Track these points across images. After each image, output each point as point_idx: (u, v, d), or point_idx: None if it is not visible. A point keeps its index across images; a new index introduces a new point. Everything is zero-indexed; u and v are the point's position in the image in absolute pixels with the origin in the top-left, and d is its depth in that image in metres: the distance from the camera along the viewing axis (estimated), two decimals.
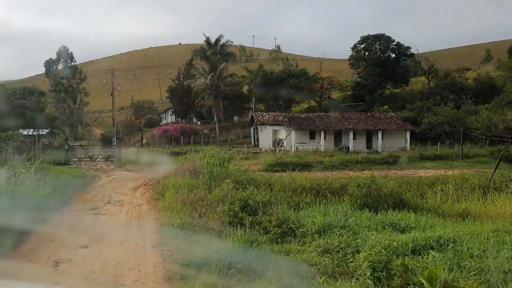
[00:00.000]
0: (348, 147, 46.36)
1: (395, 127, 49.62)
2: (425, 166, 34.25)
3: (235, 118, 74.76)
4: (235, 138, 62.70)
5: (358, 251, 9.00)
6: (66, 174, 24.01)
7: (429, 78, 66.45)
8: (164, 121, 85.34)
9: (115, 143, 47.10)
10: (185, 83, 71.12)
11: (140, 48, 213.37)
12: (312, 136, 49.77)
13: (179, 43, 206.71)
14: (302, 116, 51.34)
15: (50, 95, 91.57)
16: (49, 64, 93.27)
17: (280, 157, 31.16)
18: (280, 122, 50.57)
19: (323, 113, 53.42)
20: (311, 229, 11.12)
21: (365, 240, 9.81)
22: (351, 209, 14.09)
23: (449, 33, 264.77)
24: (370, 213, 13.46)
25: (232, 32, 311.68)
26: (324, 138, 48.51)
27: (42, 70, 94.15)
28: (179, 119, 77.26)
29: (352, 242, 9.85)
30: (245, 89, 70.88)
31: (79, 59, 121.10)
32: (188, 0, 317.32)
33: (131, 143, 64.95)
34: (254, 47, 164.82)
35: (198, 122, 71.74)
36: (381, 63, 66.12)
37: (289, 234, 11.02)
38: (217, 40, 69.17)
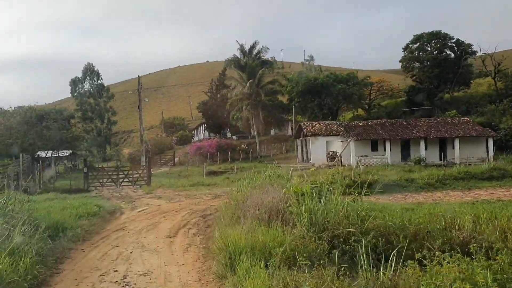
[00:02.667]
0: (421, 159, 37.57)
1: (474, 133, 40.51)
2: None
3: (273, 131, 66.72)
4: (276, 153, 54.57)
5: None
6: (73, 209, 16.29)
7: (496, 79, 56.96)
8: (196, 138, 78.06)
9: (144, 163, 39.71)
10: (218, 95, 63.71)
11: (168, 68, 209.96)
12: (374, 147, 41.13)
13: (207, 61, 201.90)
14: (360, 124, 42.81)
15: (77, 114, 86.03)
16: (74, 82, 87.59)
17: (359, 174, 22.98)
18: (334, 132, 42.17)
19: (384, 120, 44.74)
20: None
21: None
22: None
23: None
24: None
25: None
26: (390, 149, 39.85)
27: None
28: (212, 134, 69.78)
29: None
30: (283, 99, 63.03)
31: (107, 80, 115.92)
32: (215, 19, 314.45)
33: (162, 162, 57.62)
34: (283, 61, 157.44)
35: (234, 137, 64.00)
36: (439, 63, 57.20)
37: None
38: (252, 47, 61.58)
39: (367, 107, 64.22)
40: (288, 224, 8.97)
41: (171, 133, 75.57)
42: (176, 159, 56.64)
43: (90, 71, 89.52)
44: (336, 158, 40.42)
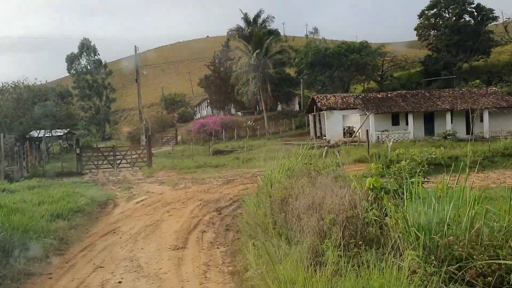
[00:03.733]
0: (451, 133, 33.84)
1: (505, 104, 36.64)
2: None
3: (279, 107, 62.70)
4: (285, 129, 50.74)
5: None
6: (51, 203, 12.63)
7: None
8: (198, 115, 74.09)
9: (144, 143, 36.07)
10: (221, 69, 59.45)
11: (167, 44, 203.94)
12: (395, 121, 37.36)
13: (207, 36, 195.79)
14: (379, 96, 38.86)
15: (74, 92, 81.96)
16: (70, 59, 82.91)
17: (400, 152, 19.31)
18: (352, 106, 38.27)
19: (405, 91, 40.77)
20: None
21: None
22: None
23: None
24: None
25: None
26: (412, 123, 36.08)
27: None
28: (215, 111, 65.82)
29: None
30: (290, 72, 58.82)
31: (107, 58, 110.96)
32: None
33: (163, 141, 53.90)
34: (286, 35, 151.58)
35: (239, 113, 60.05)
36: (458, 30, 52.73)
37: None
38: (257, 16, 56.97)
39: (379, 79, 60.06)
40: (379, 247, 5.26)
41: (172, 110, 71.53)
42: (179, 138, 52.95)
43: (87, 47, 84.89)
44: (354, 134, 36.68)
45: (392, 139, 33.98)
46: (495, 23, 54.56)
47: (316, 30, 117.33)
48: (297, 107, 61.34)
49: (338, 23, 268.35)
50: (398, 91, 40.67)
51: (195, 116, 74.14)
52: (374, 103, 37.28)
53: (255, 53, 43.30)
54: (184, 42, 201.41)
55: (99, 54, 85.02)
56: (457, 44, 52.81)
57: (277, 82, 52.90)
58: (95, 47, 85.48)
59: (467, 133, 36.36)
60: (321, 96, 40.46)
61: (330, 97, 40.17)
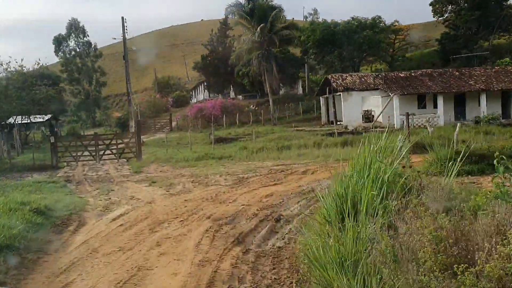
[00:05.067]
0: (493, 116, 28.95)
1: None
2: None
3: (282, 91, 57.39)
4: (291, 114, 45.63)
5: None
6: None
7: None
8: (195, 100, 68.58)
9: (133, 129, 30.90)
10: (220, 48, 54.01)
11: (160, 28, 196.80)
12: (421, 104, 32.37)
13: (202, 20, 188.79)
14: (402, 75, 33.73)
15: (63, 76, 76.30)
16: (58, 40, 76.79)
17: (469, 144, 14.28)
18: (372, 86, 33.14)
19: (430, 70, 35.70)
20: None
21: None
22: None
23: None
24: None
25: None
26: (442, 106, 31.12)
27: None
28: (213, 95, 60.36)
29: None
30: (295, 52, 53.46)
31: (100, 43, 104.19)
32: None
33: (157, 127, 48.60)
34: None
35: (240, 97, 54.71)
36: (479, 5, 47.49)
37: None
38: None
39: (389, 59, 54.81)
40: None
41: (166, 94, 65.91)
42: (173, 124, 47.71)
43: (75, 28, 78.68)
44: (375, 118, 31.65)
45: (420, 124, 29.15)
46: None
47: (315, 12, 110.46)
48: (300, 91, 56.22)
49: (340, 4, 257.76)
50: (423, 70, 35.53)
51: (191, 100, 68.69)
52: (397, 83, 32.19)
53: (259, 28, 37.83)
54: (178, 25, 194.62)
55: (88, 36, 78.85)
56: (478, 20, 47.60)
57: (281, 63, 47.52)
58: (84, 28, 79.20)
59: (504, 117, 31.54)
60: (336, 76, 35.20)
61: (347, 76, 35.00)
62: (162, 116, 53.87)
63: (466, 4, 48.62)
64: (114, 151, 24.58)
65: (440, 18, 52.49)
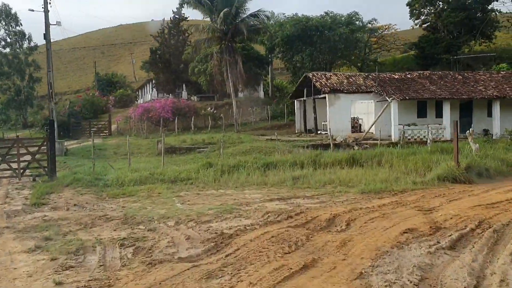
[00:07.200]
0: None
1: None
2: None
3: (243, 93, 49.99)
4: (255, 120, 38.37)
5: None
6: None
7: None
8: (141, 100, 59.74)
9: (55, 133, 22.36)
10: (172, 41, 45.99)
11: (109, 26, 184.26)
12: (421, 112, 26.24)
13: (152, 19, 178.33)
14: (396, 77, 27.51)
15: None
16: None
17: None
18: (363, 89, 26.53)
19: (429, 71, 29.81)
20: None
21: None
22: None
23: None
24: None
25: None
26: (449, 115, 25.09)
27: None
28: (163, 94, 51.91)
29: None
30: (259, 49, 46.56)
31: (41, 41, 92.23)
32: None
33: (93, 130, 39.59)
34: None
35: (194, 98, 46.77)
36: (463, 6, 42.82)
37: None
38: None
39: (359, 64, 48.98)
40: None
41: (107, 93, 56.61)
42: (114, 127, 39.09)
43: (6, 14, 67.29)
44: (368, 128, 25.07)
45: (418, 136, 22.96)
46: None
47: (273, 15, 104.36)
48: (262, 94, 49.27)
49: (302, 2, 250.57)
50: (420, 72, 29.50)
51: (137, 101, 59.79)
52: (394, 86, 25.86)
53: (222, 13, 30.34)
54: (127, 25, 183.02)
55: (21, 25, 67.66)
56: (461, 24, 42.78)
57: (244, 61, 40.26)
58: (17, 15, 67.97)
59: None
60: (318, 74, 28.24)
61: (331, 75, 28.25)
62: (101, 117, 44.86)
63: (446, 6, 43.83)
64: (16, 166, 16.19)
65: (417, 21, 47.41)
